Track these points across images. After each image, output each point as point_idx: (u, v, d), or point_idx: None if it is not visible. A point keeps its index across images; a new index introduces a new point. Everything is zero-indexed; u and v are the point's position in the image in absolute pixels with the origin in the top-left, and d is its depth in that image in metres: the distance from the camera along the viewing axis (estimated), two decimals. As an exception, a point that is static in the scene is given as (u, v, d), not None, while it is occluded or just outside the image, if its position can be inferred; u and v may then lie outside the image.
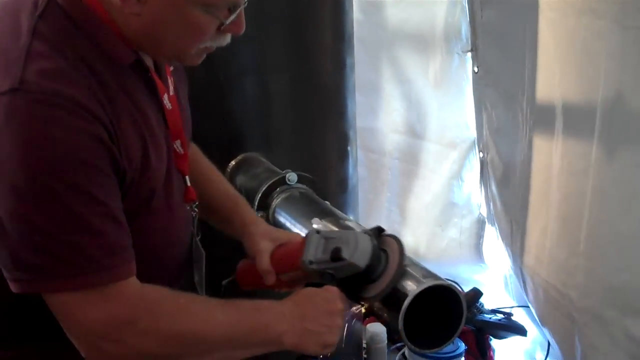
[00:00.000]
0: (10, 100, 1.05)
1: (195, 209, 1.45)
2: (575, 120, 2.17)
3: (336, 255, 1.31)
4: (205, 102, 2.01)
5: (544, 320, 2.63)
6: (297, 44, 2.09)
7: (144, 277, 1.18)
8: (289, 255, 1.42)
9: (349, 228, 1.57)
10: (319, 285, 1.33)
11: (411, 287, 1.31)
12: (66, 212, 1.08)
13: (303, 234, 1.49)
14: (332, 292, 1.32)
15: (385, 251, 1.35)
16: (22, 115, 1.05)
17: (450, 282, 1.34)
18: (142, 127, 1.23)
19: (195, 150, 1.63)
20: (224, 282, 1.45)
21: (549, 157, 2.38)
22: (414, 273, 1.37)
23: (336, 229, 1.58)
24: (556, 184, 2.32)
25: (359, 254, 1.30)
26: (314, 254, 1.36)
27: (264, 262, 1.46)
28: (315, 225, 1.60)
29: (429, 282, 1.31)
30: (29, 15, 1.14)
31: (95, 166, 1.11)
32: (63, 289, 1.10)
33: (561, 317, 2.31)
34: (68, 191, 1.07)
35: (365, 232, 1.36)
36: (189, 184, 1.43)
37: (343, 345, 1.34)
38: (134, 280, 1.16)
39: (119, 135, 1.15)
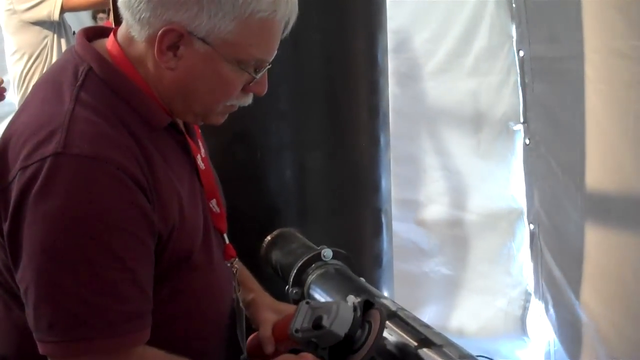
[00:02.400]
0: (53, 163, 1.09)
1: (236, 266, 1.48)
2: (632, 196, 2.14)
3: (317, 324, 1.35)
4: (242, 177, 2.04)
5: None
6: (333, 120, 2.12)
7: (189, 332, 1.24)
8: (285, 326, 1.46)
9: (382, 305, 1.56)
10: (297, 352, 1.39)
11: (447, 370, 1.28)
12: (95, 275, 1.11)
13: None
14: (305, 358, 1.37)
15: (369, 322, 1.37)
16: (65, 175, 1.10)
17: (486, 363, 1.32)
18: (177, 187, 1.26)
19: None
20: (242, 357, 1.45)
21: (605, 231, 2.35)
22: (451, 354, 1.34)
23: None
24: (615, 258, 2.27)
25: (338, 323, 1.34)
26: (300, 323, 1.39)
27: (266, 331, 1.51)
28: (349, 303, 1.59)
29: (464, 365, 1.28)
30: (69, 85, 1.20)
31: (131, 232, 1.14)
32: (81, 353, 1.12)
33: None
34: (99, 254, 1.11)
35: (353, 303, 1.39)
36: (227, 241, 1.47)
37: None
38: (140, 348, 1.18)
39: (156, 197, 1.18)
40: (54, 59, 4.37)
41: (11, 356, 1.28)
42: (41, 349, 1.13)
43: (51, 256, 1.10)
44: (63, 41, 4.39)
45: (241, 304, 1.51)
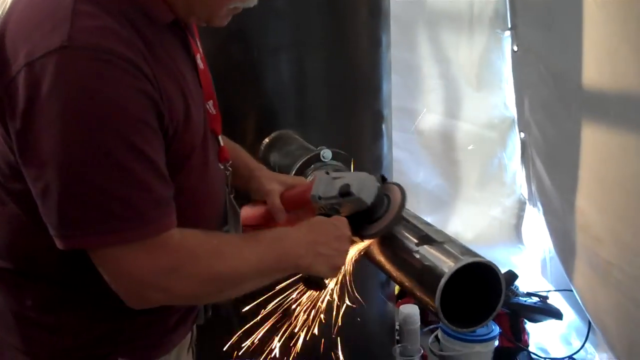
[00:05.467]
0: (59, 57, 1.06)
1: (229, 168, 1.48)
2: (631, 99, 2.11)
3: (345, 191, 1.40)
4: (238, 78, 2.00)
5: (593, 302, 2.58)
6: (332, 20, 2.06)
7: None
8: (299, 194, 1.52)
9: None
10: (328, 216, 1.43)
11: (449, 264, 1.28)
12: (117, 166, 1.10)
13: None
14: (340, 221, 1.41)
15: (387, 196, 1.44)
16: (73, 71, 1.07)
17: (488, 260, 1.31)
18: (182, 84, 1.25)
19: None
20: (224, 228, 1.46)
21: (604, 135, 2.32)
22: (452, 250, 1.34)
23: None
24: (615, 163, 2.26)
25: (366, 191, 1.40)
26: (323, 190, 1.45)
27: (275, 201, 1.55)
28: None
29: (468, 259, 1.28)
30: None
31: (145, 121, 1.13)
32: (112, 243, 1.13)
33: (622, 298, 2.25)
34: (119, 146, 1.10)
35: (376, 175, 1.45)
36: (222, 143, 1.46)
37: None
38: (175, 229, 1.19)
39: (162, 91, 1.16)
40: None
41: (2, 250, 1.28)
42: (65, 243, 1.13)
43: (73, 153, 1.08)
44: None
45: (236, 206, 1.51)
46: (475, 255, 1.31)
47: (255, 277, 1.30)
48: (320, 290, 1.45)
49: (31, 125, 1.09)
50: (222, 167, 1.46)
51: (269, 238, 1.35)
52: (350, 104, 2.10)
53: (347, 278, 1.57)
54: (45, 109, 1.07)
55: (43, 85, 1.06)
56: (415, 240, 1.41)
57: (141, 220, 1.13)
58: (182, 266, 1.19)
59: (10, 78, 1.10)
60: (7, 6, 1.24)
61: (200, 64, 1.38)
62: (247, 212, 1.62)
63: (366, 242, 1.48)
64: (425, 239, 1.41)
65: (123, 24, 1.14)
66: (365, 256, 1.54)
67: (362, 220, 1.43)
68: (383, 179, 1.46)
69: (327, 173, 1.50)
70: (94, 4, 1.13)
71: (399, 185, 1.46)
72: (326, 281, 1.43)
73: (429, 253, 1.37)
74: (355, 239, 1.45)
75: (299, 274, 1.43)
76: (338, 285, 1.56)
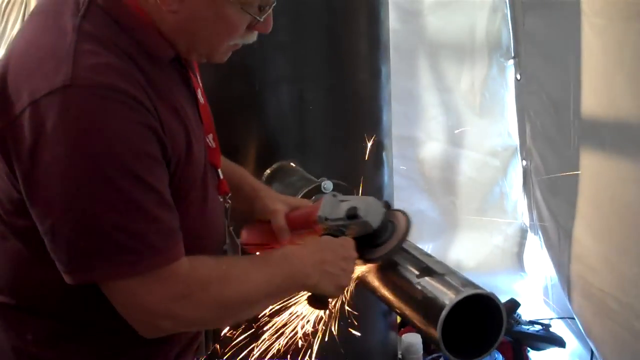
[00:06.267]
0: (63, 96, 1.08)
1: (229, 201, 1.48)
2: (628, 127, 2.13)
3: (352, 214, 1.42)
4: (240, 111, 2.02)
5: (591, 331, 2.57)
6: (333, 52, 2.09)
7: None
8: (305, 215, 1.53)
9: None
10: (334, 237, 1.45)
11: (450, 296, 1.29)
12: (125, 200, 1.11)
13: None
14: (347, 242, 1.43)
15: (391, 222, 1.46)
16: (77, 109, 1.08)
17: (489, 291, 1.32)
18: (183, 118, 1.26)
19: None
20: (224, 247, 1.47)
21: (600, 165, 2.34)
22: (453, 282, 1.35)
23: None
24: (610, 192, 2.27)
25: (373, 215, 1.42)
26: (329, 211, 1.48)
27: (280, 220, 1.55)
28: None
29: (468, 291, 1.29)
30: (71, 16, 1.17)
31: (149, 154, 1.14)
32: (122, 276, 1.13)
33: (617, 327, 2.25)
34: (126, 180, 1.11)
35: (383, 200, 1.48)
36: (222, 176, 1.47)
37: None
38: (184, 258, 1.19)
39: (164, 125, 1.18)
40: None
41: (2, 284, 1.28)
42: (74, 278, 1.14)
43: (80, 190, 1.09)
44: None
45: (235, 238, 1.52)
46: (476, 287, 1.32)
47: (264, 300, 1.32)
48: (325, 309, 1.46)
49: (37, 163, 1.10)
50: (221, 199, 1.46)
51: (277, 258, 1.36)
52: (350, 135, 2.12)
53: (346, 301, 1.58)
54: (51, 147, 1.08)
55: (48, 124, 1.07)
56: (417, 272, 1.42)
57: (151, 251, 1.14)
58: (193, 294, 1.20)
59: (14, 117, 1.11)
60: (9, 44, 1.26)
61: (201, 99, 1.39)
62: (250, 231, 1.63)
63: (366, 267, 1.49)
64: (427, 270, 1.41)
65: (124, 60, 1.16)
66: (366, 287, 1.54)
67: (365, 244, 1.45)
68: (388, 206, 1.47)
69: (334, 195, 1.52)
70: (95, 41, 1.14)
71: (404, 212, 1.48)
72: (330, 300, 1.44)
73: (430, 285, 1.37)
74: (358, 262, 1.46)
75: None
76: (336, 309, 1.58)
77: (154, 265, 1.15)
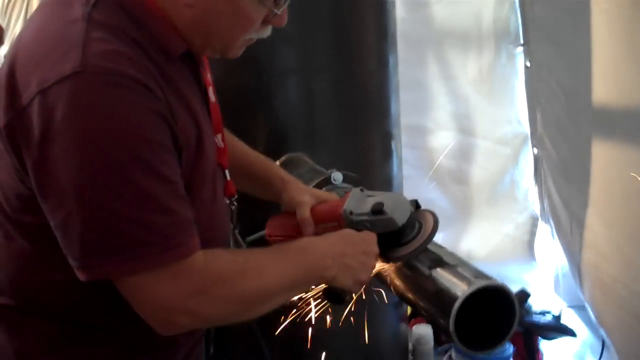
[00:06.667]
0: (73, 83, 1.05)
1: (235, 203, 1.47)
2: (638, 116, 2.11)
3: (377, 209, 1.39)
4: (249, 102, 2.01)
5: (602, 320, 2.56)
6: (340, 43, 2.07)
7: None
8: (331, 208, 1.51)
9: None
10: (358, 231, 1.42)
11: (462, 287, 1.28)
12: (139, 191, 1.09)
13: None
14: (370, 236, 1.39)
15: (419, 222, 1.43)
16: (86, 97, 1.06)
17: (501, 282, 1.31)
18: (194, 113, 1.24)
19: None
20: (248, 239, 1.46)
21: (611, 152, 2.32)
22: (465, 273, 1.34)
23: None
24: (621, 180, 2.25)
25: (399, 212, 1.39)
26: (355, 206, 1.44)
27: (305, 212, 1.52)
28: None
29: (480, 283, 1.28)
30: (81, 5, 1.15)
31: (162, 143, 1.12)
32: (137, 270, 1.11)
33: (626, 315, 2.24)
34: (139, 170, 1.08)
35: (411, 200, 1.45)
36: (229, 178, 1.44)
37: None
38: (199, 251, 1.17)
39: (175, 114, 1.15)
40: None
41: (6, 286, 1.26)
42: (88, 273, 1.11)
43: (92, 180, 1.07)
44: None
45: (241, 242, 1.52)
46: (488, 278, 1.31)
47: (283, 293, 1.29)
48: (341, 304, 1.41)
49: (48, 153, 1.07)
50: (227, 201, 1.44)
51: (295, 249, 1.33)
52: (359, 125, 2.11)
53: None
54: (61, 136, 1.06)
55: (57, 112, 1.05)
56: (428, 263, 1.41)
57: (166, 244, 1.11)
58: (209, 289, 1.17)
59: (22, 107, 1.09)
60: (17, 36, 1.24)
61: (212, 97, 1.37)
62: (275, 222, 1.62)
63: (386, 265, 1.46)
64: (438, 262, 1.40)
65: (135, 49, 1.14)
66: (377, 278, 1.53)
67: (388, 242, 1.42)
68: (416, 205, 1.45)
69: (362, 190, 1.49)
70: (105, 29, 1.12)
71: (432, 213, 1.45)
72: (347, 296, 1.40)
73: (441, 276, 1.36)
74: (378, 259, 1.43)
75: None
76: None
77: (170, 259, 1.12)
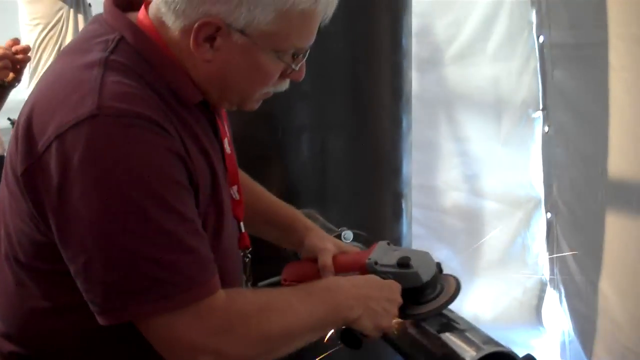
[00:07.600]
0: (89, 126, 1.06)
1: (249, 255, 1.46)
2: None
3: (404, 262, 1.39)
4: (262, 158, 2.03)
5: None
6: (355, 102, 2.10)
7: None
8: (355, 257, 1.50)
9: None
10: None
11: (471, 354, 1.27)
12: (159, 230, 1.08)
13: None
14: (395, 285, 1.38)
15: (441, 284, 1.42)
16: (104, 139, 1.07)
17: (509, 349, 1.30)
18: (210, 160, 1.23)
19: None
20: (260, 284, 1.45)
21: (626, 220, 2.32)
22: (473, 338, 1.33)
23: None
24: (636, 248, 2.25)
25: (425, 269, 1.39)
26: (381, 257, 1.44)
27: (328, 259, 1.50)
28: None
29: (489, 348, 1.26)
30: (99, 52, 1.16)
31: (179, 182, 1.12)
32: (161, 311, 1.10)
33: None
34: (158, 209, 1.08)
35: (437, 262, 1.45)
36: (243, 230, 1.44)
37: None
38: (221, 291, 1.16)
39: (191, 156, 1.16)
40: (69, 32, 4.36)
41: (16, 333, 1.25)
42: (110, 318, 1.10)
43: (112, 222, 1.06)
44: (80, 16, 4.38)
45: None
46: (497, 344, 1.30)
47: (307, 333, 1.27)
48: (358, 349, 1.38)
49: (67, 198, 1.07)
50: (241, 254, 1.44)
51: (319, 288, 1.32)
52: (371, 185, 2.12)
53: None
54: (79, 179, 1.06)
55: (74, 156, 1.05)
56: (437, 326, 1.40)
57: (189, 284, 1.10)
58: (233, 327, 1.16)
59: (40, 153, 1.09)
60: (37, 82, 1.26)
61: (227, 149, 1.37)
62: (293, 268, 1.61)
63: (395, 320, 1.43)
64: (447, 326, 1.39)
65: (150, 92, 1.15)
66: (383, 337, 1.52)
67: (406, 299, 1.40)
68: (440, 268, 1.44)
69: (388, 244, 1.50)
70: (121, 73, 1.13)
71: (456, 278, 1.45)
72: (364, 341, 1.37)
73: (450, 341, 1.35)
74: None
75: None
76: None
77: (192, 299, 1.10)
